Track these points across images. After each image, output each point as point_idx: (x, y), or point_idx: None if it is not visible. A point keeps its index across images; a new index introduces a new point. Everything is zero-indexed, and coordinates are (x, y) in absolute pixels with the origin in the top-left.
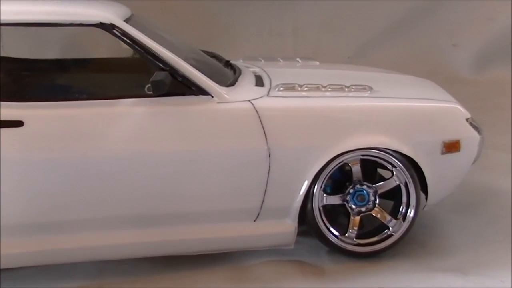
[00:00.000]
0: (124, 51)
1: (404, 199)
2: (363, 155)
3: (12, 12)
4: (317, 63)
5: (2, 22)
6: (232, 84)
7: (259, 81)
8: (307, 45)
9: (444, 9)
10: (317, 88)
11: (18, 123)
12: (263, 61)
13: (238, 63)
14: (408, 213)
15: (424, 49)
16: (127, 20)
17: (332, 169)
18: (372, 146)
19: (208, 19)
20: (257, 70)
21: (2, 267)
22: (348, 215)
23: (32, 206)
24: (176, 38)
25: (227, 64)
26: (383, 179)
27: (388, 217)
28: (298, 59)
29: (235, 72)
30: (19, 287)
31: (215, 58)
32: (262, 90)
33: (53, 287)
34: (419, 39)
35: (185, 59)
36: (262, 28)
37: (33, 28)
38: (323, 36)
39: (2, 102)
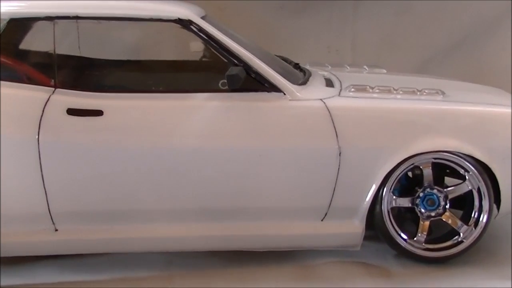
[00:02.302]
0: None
1: (477, 203)
2: (435, 158)
3: (92, 6)
4: (384, 71)
5: (82, 15)
6: (303, 83)
7: (329, 83)
8: (366, 62)
9: (505, 27)
10: (388, 90)
11: (98, 112)
12: (329, 67)
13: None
14: (480, 219)
15: (486, 67)
16: (202, 18)
17: (403, 171)
18: (445, 149)
19: (266, 33)
20: (325, 73)
21: (75, 253)
22: (415, 221)
23: (105, 194)
24: (247, 39)
25: (296, 66)
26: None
27: (459, 223)
28: (365, 66)
29: (305, 74)
30: (94, 273)
31: (284, 61)
32: (333, 91)
33: (122, 276)
34: (481, 58)
35: (258, 57)
36: (320, 43)
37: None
38: (383, 52)
39: (84, 92)
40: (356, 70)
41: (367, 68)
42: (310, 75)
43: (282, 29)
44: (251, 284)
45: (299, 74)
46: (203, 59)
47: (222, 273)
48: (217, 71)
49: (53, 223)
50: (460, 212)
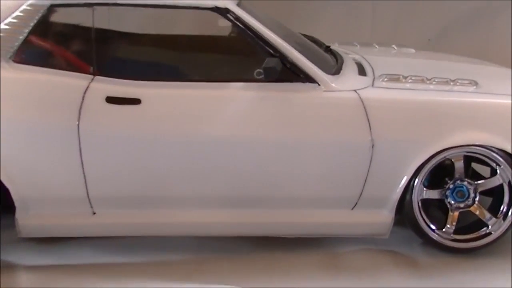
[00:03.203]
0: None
1: (506, 199)
2: (467, 152)
3: None
4: (413, 50)
5: (121, 2)
6: (337, 72)
7: (361, 70)
8: (386, 26)
9: None
10: (421, 80)
11: (136, 101)
12: (358, 46)
13: (337, 48)
14: (509, 213)
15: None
16: (238, 5)
17: (434, 163)
18: (476, 143)
19: None
20: (356, 57)
21: (112, 235)
22: (443, 209)
23: (141, 180)
24: (279, 22)
25: (327, 49)
26: (478, 174)
27: (488, 215)
28: (394, 45)
29: (337, 59)
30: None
31: (315, 43)
32: (366, 80)
33: (153, 259)
34: (504, 24)
35: (292, 44)
36: (341, 6)
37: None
38: (403, 16)
39: (122, 80)
40: (385, 51)
41: (395, 48)
42: (342, 61)
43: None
44: (279, 270)
45: (332, 60)
46: (240, 47)
47: (252, 257)
48: (253, 59)
49: (91, 207)
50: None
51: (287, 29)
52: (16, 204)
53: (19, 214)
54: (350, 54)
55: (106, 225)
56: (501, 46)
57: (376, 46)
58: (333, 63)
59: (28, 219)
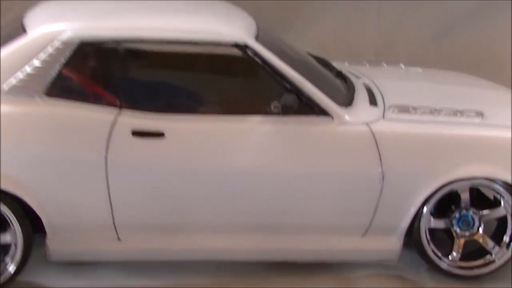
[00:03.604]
0: None
1: (510, 231)
2: (472, 184)
3: (154, 29)
4: (420, 70)
5: (145, 39)
6: (349, 103)
7: (371, 98)
8: (390, 24)
9: None
10: (430, 112)
11: (160, 134)
12: (367, 65)
13: (345, 68)
14: None
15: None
16: (256, 37)
17: (442, 195)
18: (481, 176)
19: None
20: (366, 81)
21: (136, 260)
22: (449, 233)
23: (165, 209)
24: (292, 47)
25: (339, 74)
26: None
27: (491, 244)
28: (401, 65)
29: (348, 85)
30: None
31: (326, 67)
32: (377, 111)
33: (175, 282)
34: (505, 23)
35: (307, 76)
36: (347, 5)
37: None
38: (407, 14)
39: (146, 113)
40: (393, 71)
41: (403, 67)
42: (354, 90)
43: None
44: None
45: (343, 88)
46: (257, 80)
47: (266, 282)
48: (270, 92)
49: (117, 233)
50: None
51: (300, 54)
52: (47, 230)
53: (49, 240)
54: (361, 79)
55: (130, 250)
56: (501, 43)
57: (385, 65)
58: (345, 91)
59: (57, 245)
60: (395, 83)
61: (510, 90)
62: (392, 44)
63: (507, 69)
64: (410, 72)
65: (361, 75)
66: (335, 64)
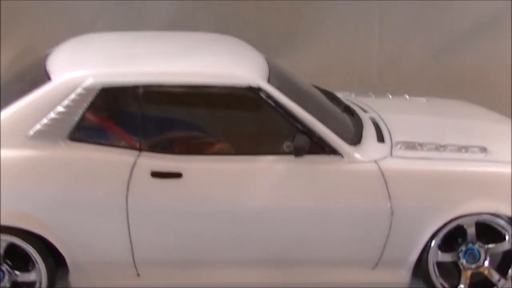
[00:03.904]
0: None
1: None
2: (477, 219)
3: (172, 74)
4: (424, 100)
5: (164, 84)
6: (358, 141)
7: (379, 134)
8: (393, 42)
9: None
10: (435, 148)
11: (178, 175)
12: (373, 96)
13: (352, 100)
14: None
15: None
16: (268, 79)
17: (449, 229)
18: (486, 211)
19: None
20: (373, 115)
21: None
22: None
23: (183, 246)
24: (297, 80)
25: (346, 109)
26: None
27: (497, 276)
28: (406, 95)
29: (356, 120)
30: None
31: (334, 101)
32: (384, 148)
33: None
34: (505, 41)
35: (317, 115)
36: (349, 24)
37: None
38: (409, 33)
39: (165, 155)
40: (399, 102)
41: (408, 97)
42: (362, 126)
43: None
44: None
45: (351, 125)
46: (270, 121)
47: None
48: (282, 132)
49: (136, 270)
50: None
51: (308, 89)
52: (70, 268)
53: (72, 277)
54: (368, 113)
55: (149, 286)
56: (501, 61)
57: (390, 96)
58: (353, 127)
59: (80, 281)
60: (401, 117)
61: (511, 121)
62: (394, 63)
63: (506, 88)
64: (415, 103)
65: (368, 108)
66: (341, 95)
